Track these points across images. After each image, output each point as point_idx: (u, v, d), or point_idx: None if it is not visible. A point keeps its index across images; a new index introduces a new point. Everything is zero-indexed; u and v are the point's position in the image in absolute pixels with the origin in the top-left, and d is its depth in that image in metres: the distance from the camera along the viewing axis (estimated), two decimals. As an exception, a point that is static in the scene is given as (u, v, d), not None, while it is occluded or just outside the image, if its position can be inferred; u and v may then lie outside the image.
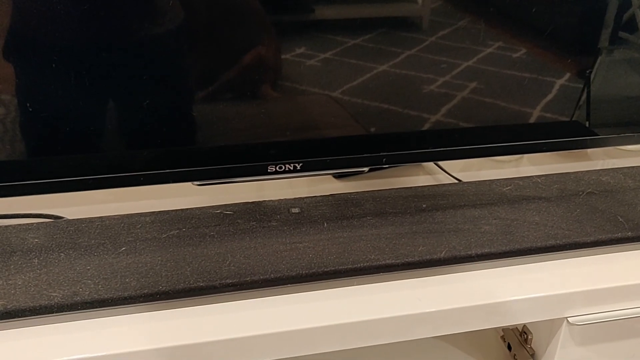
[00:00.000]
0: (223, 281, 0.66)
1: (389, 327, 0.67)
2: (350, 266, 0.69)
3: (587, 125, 0.81)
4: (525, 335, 0.81)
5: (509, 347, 0.87)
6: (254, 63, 0.68)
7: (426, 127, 0.76)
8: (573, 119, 0.81)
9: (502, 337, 0.89)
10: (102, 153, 0.69)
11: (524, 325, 0.82)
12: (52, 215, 0.80)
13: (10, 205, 0.81)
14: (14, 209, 0.81)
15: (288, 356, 0.65)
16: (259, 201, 0.78)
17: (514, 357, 0.85)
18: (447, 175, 0.93)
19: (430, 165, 0.96)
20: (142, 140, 0.70)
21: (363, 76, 0.72)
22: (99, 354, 0.60)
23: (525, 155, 1.01)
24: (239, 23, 0.67)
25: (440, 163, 0.95)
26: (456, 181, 0.90)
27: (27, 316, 0.63)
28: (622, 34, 0.78)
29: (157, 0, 0.63)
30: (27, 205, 0.81)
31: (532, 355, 0.81)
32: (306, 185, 0.90)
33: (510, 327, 0.87)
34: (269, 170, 0.72)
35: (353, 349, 0.67)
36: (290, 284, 0.68)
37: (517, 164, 0.99)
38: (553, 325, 0.74)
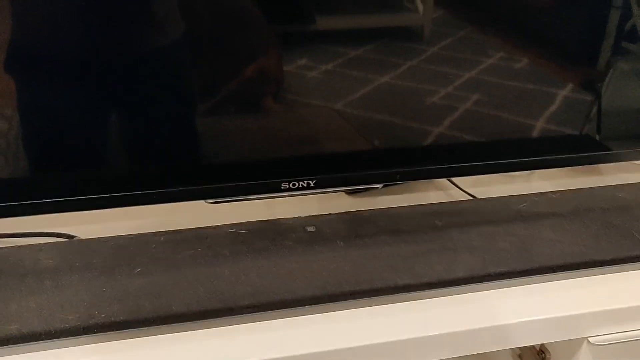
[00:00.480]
0: (238, 303, 0.65)
1: (405, 349, 0.66)
2: (367, 287, 0.68)
3: (600, 139, 0.81)
4: (543, 355, 0.80)
5: (526, 366, 0.86)
6: (261, 76, 0.68)
7: (439, 142, 0.75)
8: (589, 134, 0.81)
9: (519, 356, 0.88)
10: (114, 171, 0.69)
11: (542, 344, 0.81)
12: (64, 233, 0.79)
13: (19, 224, 0.80)
14: (24, 227, 0.80)
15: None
16: (273, 220, 0.78)
17: (531, 376, 0.84)
18: (459, 190, 0.92)
19: (442, 180, 0.95)
20: (154, 158, 0.70)
21: (377, 89, 0.71)
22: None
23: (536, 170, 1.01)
24: (241, 35, 0.66)
25: (453, 179, 0.94)
26: (469, 197, 0.89)
27: (41, 340, 0.62)
28: (630, 45, 0.77)
29: (158, 13, 0.63)
30: (37, 224, 0.80)
31: (550, 374, 0.80)
32: (317, 202, 0.89)
33: (528, 346, 0.86)
34: (282, 188, 0.72)
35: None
36: (306, 304, 0.67)
37: (528, 179, 0.98)
38: (572, 345, 0.73)
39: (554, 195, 0.84)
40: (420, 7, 0.70)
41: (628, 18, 0.75)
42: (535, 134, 0.77)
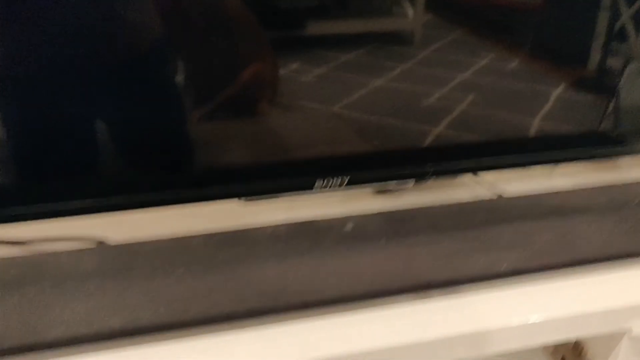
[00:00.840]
0: (287, 302, 0.64)
1: (453, 344, 0.65)
2: (413, 283, 0.68)
3: (617, 134, 0.82)
4: (579, 349, 0.80)
5: (561, 362, 0.86)
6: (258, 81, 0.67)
7: (470, 139, 0.76)
8: (607, 129, 0.81)
9: (552, 353, 0.88)
10: (148, 173, 0.68)
11: (577, 338, 0.81)
12: (93, 238, 0.77)
13: (40, 229, 0.77)
14: (47, 231, 0.77)
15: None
16: (309, 221, 0.77)
17: (567, 372, 0.84)
18: (484, 188, 0.91)
19: (466, 179, 0.95)
20: (184, 157, 0.69)
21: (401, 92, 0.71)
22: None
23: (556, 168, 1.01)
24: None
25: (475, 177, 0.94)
26: (496, 194, 0.89)
27: (87, 343, 0.60)
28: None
29: (147, 20, 0.62)
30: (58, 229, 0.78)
31: (587, 370, 0.80)
32: (345, 202, 0.88)
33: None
34: (316, 185, 0.71)
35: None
36: (355, 301, 0.66)
37: (549, 177, 0.98)
38: (612, 339, 0.73)
39: (586, 191, 0.85)
40: (410, 12, 0.70)
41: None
42: (556, 130, 0.78)
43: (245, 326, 0.64)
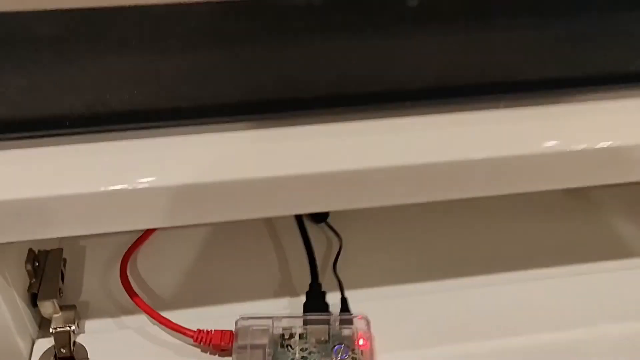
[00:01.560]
0: (316, 93, 0.48)
1: (553, 164, 0.49)
2: (499, 79, 0.50)
3: None
4: None
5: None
6: None
7: None
8: None
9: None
10: None
11: None
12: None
13: None
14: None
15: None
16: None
17: None
18: None
19: None
20: None
21: None
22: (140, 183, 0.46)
23: None
24: None
25: None
26: None
27: (37, 130, 0.46)
28: None
29: None
30: None
31: None
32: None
33: None
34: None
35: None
36: (413, 100, 0.49)
37: None
38: None
39: None
40: None
41: None
42: None
43: (256, 120, 0.48)
